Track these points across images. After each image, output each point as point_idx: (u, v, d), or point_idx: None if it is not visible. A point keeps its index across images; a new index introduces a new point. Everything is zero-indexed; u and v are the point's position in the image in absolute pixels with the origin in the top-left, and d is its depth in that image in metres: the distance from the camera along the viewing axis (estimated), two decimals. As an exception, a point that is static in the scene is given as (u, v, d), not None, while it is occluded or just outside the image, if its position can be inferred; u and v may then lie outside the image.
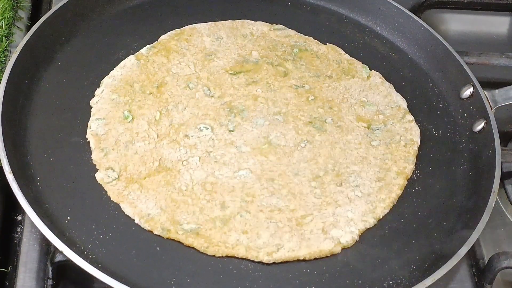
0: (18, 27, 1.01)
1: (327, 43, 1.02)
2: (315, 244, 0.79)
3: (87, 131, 0.86)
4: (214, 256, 0.77)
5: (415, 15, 1.04)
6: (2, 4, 0.99)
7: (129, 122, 0.87)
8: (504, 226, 0.90)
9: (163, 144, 0.86)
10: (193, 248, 0.78)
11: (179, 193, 0.82)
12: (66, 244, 0.72)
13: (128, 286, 0.71)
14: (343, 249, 0.80)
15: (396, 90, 0.98)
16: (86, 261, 0.72)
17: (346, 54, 1.01)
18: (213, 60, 0.96)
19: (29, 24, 1.02)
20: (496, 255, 0.81)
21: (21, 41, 0.89)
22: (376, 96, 0.96)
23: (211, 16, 1.01)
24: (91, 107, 0.88)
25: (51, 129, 0.85)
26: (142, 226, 0.79)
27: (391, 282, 0.78)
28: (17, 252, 0.80)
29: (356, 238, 0.81)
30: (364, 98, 0.95)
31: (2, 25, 0.98)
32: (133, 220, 0.79)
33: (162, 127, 0.87)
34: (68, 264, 0.73)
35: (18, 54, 0.87)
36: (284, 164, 0.86)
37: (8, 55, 0.95)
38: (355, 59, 1.00)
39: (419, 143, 0.92)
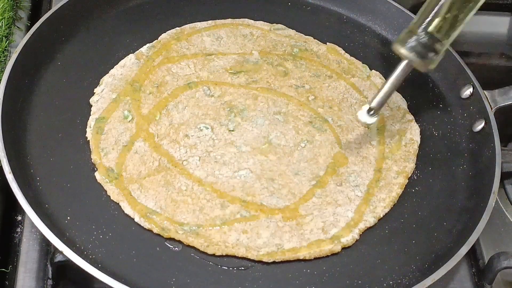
0: (18, 27, 1.01)
1: (327, 43, 1.02)
2: (315, 243, 0.79)
3: (87, 130, 0.86)
4: (214, 255, 0.77)
5: (415, 15, 1.03)
6: (2, 4, 0.99)
7: (129, 121, 0.87)
8: (504, 226, 0.90)
9: (163, 143, 0.86)
10: (193, 247, 0.78)
11: (179, 193, 0.82)
12: (66, 244, 0.72)
13: (128, 286, 0.71)
14: (343, 248, 0.80)
15: (396, 90, 0.97)
16: (86, 261, 0.72)
17: (346, 54, 1.01)
18: (213, 60, 0.96)
19: (29, 24, 1.02)
20: (496, 255, 0.81)
21: (21, 41, 0.89)
22: (376, 96, 0.96)
23: (211, 16, 1.01)
24: (91, 106, 0.88)
25: (51, 129, 0.85)
26: (142, 225, 0.79)
27: (391, 282, 0.78)
28: (17, 252, 0.80)
29: (357, 237, 0.81)
30: (364, 98, 0.95)
31: (2, 25, 0.98)
32: (133, 219, 0.79)
33: (162, 126, 0.87)
34: (68, 264, 0.73)
35: (18, 54, 0.87)
36: (284, 164, 0.86)
37: (8, 55, 0.95)
38: (355, 59, 1.00)
39: (419, 142, 0.92)
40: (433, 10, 0.82)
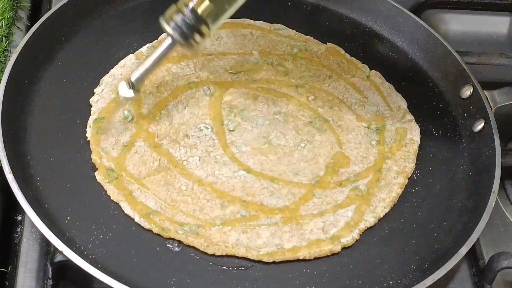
0: (18, 27, 1.01)
1: (327, 43, 1.02)
2: (315, 243, 0.79)
3: (87, 130, 0.86)
4: (214, 255, 0.77)
5: (415, 15, 1.04)
6: (2, 4, 0.99)
7: (129, 121, 0.87)
8: (504, 226, 0.90)
9: (163, 143, 0.86)
10: (193, 247, 0.78)
11: (179, 193, 0.82)
12: (66, 244, 0.72)
13: (128, 286, 0.71)
14: (343, 248, 0.80)
15: (396, 90, 0.98)
16: (86, 261, 0.72)
17: (346, 54, 1.01)
18: (213, 60, 0.96)
19: (29, 24, 1.02)
20: (496, 255, 0.81)
21: (21, 41, 0.89)
22: (376, 96, 0.96)
23: (211, 16, 1.01)
24: (91, 106, 0.88)
25: (51, 129, 0.85)
26: (142, 225, 0.79)
27: (391, 282, 0.78)
28: (17, 252, 0.79)
29: (357, 237, 0.81)
30: (364, 98, 0.95)
31: (2, 25, 0.98)
32: (133, 220, 0.79)
33: (162, 126, 0.87)
34: (68, 264, 0.73)
35: (18, 54, 0.87)
36: (284, 164, 0.86)
37: (8, 55, 0.95)
38: (355, 59, 1.00)
39: (419, 142, 0.92)
40: None
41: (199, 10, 0.78)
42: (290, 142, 0.88)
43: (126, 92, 0.82)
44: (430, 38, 1.01)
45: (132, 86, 0.82)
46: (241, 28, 1.01)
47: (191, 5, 0.78)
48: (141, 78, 0.82)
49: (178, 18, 0.78)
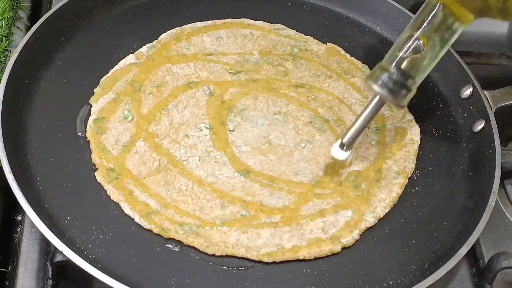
0: (18, 27, 1.01)
1: (327, 43, 1.02)
2: (315, 243, 0.79)
3: (87, 130, 0.86)
4: (214, 255, 0.77)
5: (415, 14, 1.03)
6: (2, 4, 0.99)
7: (129, 121, 0.87)
8: (504, 226, 0.90)
9: (163, 143, 0.86)
10: (193, 247, 0.78)
11: (179, 193, 0.82)
12: (66, 244, 0.72)
13: (128, 286, 0.71)
14: (343, 248, 0.80)
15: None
16: (86, 261, 0.72)
17: (346, 54, 1.01)
18: (213, 60, 0.96)
19: (29, 24, 1.02)
20: (496, 255, 0.81)
21: (21, 41, 0.89)
22: (376, 96, 0.96)
23: (211, 16, 1.01)
24: (91, 106, 0.88)
25: (51, 129, 0.85)
26: (142, 225, 0.79)
27: (391, 282, 0.78)
28: (17, 252, 0.79)
29: (357, 237, 0.81)
30: (364, 98, 0.95)
31: (2, 25, 0.98)
32: (133, 219, 0.79)
33: (162, 126, 0.87)
34: (68, 264, 0.73)
35: (18, 54, 0.87)
36: (284, 164, 0.86)
37: (8, 55, 0.95)
38: (355, 59, 1.00)
39: (419, 142, 0.92)
40: (405, 46, 0.80)
41: (404, 66, 0.80)
42: (290, 142, 0.88)
43: (339, 154, 0.83)
44: (430, 38, 1.01)
45: (344, 147, 0.83)
46: (241, 28, 1.01)
47: (395, 62, 0.80)
48: (353, 139, 0.83)
49: (384, 76, 0.80)
